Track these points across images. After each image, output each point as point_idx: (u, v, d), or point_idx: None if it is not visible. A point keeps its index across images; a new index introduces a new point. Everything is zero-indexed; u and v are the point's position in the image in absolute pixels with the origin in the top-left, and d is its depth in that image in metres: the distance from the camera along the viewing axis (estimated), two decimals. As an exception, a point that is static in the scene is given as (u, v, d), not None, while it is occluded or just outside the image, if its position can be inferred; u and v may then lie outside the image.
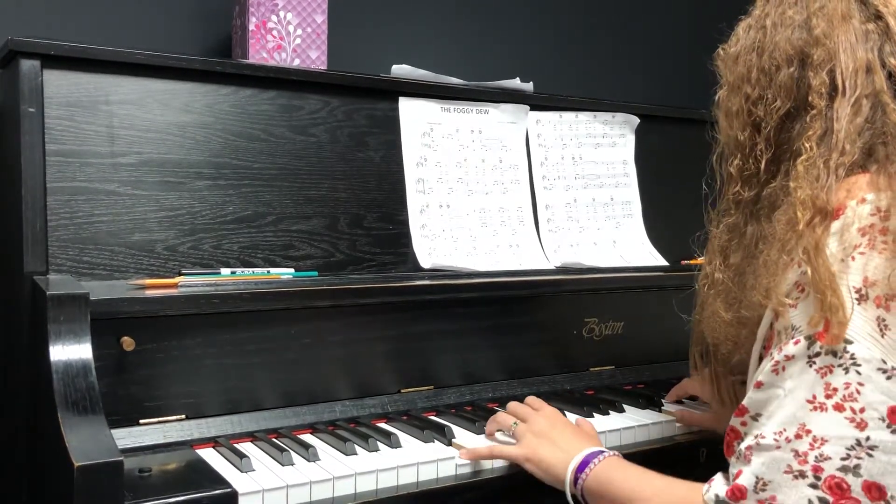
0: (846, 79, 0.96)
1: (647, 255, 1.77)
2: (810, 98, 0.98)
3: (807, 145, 0.96)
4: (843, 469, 0.85)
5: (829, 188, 0.92)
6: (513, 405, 1.26)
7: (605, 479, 1.06)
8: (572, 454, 1.10)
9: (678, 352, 1.63)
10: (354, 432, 1.22)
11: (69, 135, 1.27)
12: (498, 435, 1.24)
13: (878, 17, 0.99)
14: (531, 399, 1.30)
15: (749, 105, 1.04)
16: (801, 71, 1.00)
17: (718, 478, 0.96)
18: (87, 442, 0.94)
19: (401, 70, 1.60)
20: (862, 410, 0.86)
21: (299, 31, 1.60)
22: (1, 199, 1.39)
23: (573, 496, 1.08)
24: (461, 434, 1.25)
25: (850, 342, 0.87)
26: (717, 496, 0.93)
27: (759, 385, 0.93)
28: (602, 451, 1.10)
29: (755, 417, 0.93)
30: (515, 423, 1.21)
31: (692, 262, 1.77)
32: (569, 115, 1.76)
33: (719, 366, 1.16)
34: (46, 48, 1.24)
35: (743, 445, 0.93)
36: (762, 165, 1.03)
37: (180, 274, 1.30)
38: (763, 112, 1.03)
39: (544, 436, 1.16)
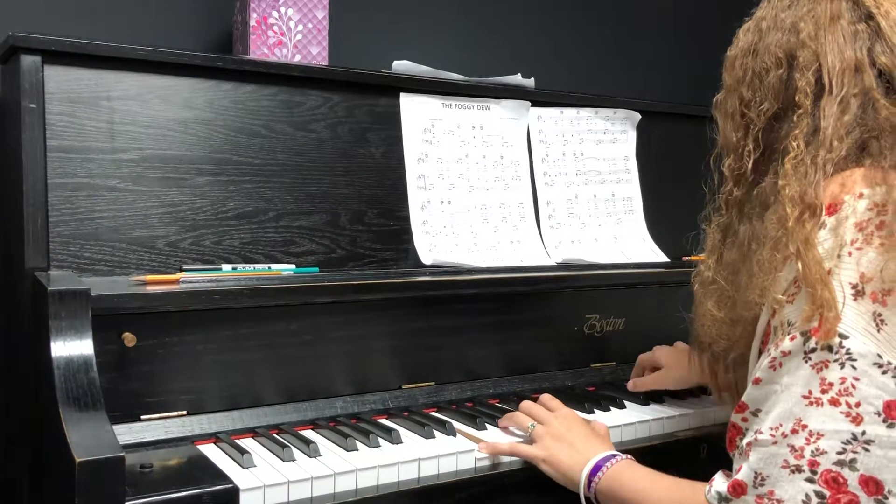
0: (833, 78, 0.97)
1: (648, 252, 1.77)
2: (797, 98, 0.98)
3: (794, 144, 0.96)
4: (839, 463, 0.86)
5: (817, 184, 0.93)
6: (528, 405, 1.27)
7: (615, 482, 1.08)
8: (587, 457, 1.12)
9: (679, 348, 1.64)
10: (355, 428, 1.23)
11: (70, 131, 1.26)
12: (512, 428, 1.26)
13: (870, 17, 1.00)
14: (546, 398, 1.29)
15: (742, 107, 1.06)
16: (789, 73, 1.01)
17: (718, 476, 0.97)
18: (88, 437, 0.94)
19: (402, 66, 1.60)
20: (857, 405, 0.86)
21: (300, 27, 1.60)
22: (2, 195, 1.39)
23: (587, 499, 1.10)
24: (462, 430, 1.25)
25: (846, 336, 0.87)
26: (718, 493, 0.94)
27: (757, 381, 0.93)
28: (615, 455, 1.12)
29: (755, 413, 0.94)
30: (533, 424, 1.22)
31: (693, 258, 1.78)
32: (570, 112, 1.75)
33: (715, 362, 1.17)
34: (47, 44, 1.24)
35: (744, 442, 0.93)
36: (749, 166, 1.04)
37: (181, 270, 1.29)
38: (754, 114, 1.04)
39: (562, 439, 1.17)
